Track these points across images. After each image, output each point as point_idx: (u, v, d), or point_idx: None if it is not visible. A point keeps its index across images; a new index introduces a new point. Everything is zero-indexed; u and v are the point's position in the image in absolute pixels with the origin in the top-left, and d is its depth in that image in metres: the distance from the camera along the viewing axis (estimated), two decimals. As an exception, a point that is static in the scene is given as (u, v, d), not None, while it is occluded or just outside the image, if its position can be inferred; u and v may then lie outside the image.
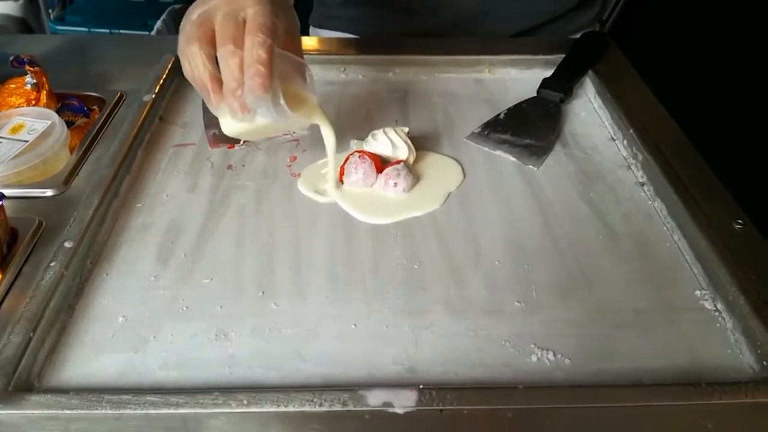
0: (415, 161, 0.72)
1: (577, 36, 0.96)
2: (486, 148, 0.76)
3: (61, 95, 0.81)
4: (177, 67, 0.86)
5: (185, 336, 0.52)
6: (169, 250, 0.61)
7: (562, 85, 0.83)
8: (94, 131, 0.73)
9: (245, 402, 0.45)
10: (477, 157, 0.75)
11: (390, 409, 0.45)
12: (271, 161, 0.73)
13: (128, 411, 0.44)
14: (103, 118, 0.76)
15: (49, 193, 0.65)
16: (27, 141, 0.68)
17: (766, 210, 0.68)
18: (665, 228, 0.65)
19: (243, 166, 0.73)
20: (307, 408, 0.45)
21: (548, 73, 0.88)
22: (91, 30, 0.92)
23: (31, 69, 0.77)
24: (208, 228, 0.63)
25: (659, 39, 1.51)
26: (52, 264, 0.55)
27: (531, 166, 0.72)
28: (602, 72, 0.87)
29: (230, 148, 0.72)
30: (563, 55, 0.90)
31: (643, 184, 0.70)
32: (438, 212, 0.66)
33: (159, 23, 1.82)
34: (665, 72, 1.06)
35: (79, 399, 0.45)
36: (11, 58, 0.78)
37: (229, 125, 0.58)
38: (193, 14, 0.56)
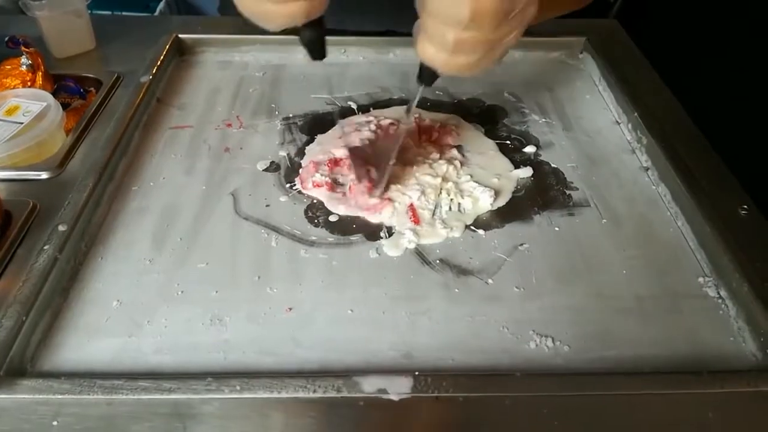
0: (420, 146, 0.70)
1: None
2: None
3: (58, 76, 0.80)
4: (175, 48, 0.86)
5: (180, 321, 0.52)
6: (165, 234, 0.60)
7: None
8: (90, 113, 0.73)
9: (238, 388, 0.44)
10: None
11: (385, 396, 0.44)
12: (268, 144, 0.72)
13: (120, 396, 0.44)
14: (99, 100, 0.75)
15: (43, 175, 0.64)
16: (22, 123, 0.67)
17: (773, 196, 0.67)
18: (669, 213, 0.63)
19: (240, 149, 0.72)
20: (301, 394, 0.44)
21: (552, 55, 0.86)
22: (93, 11, 0.91)
23: (27, 50, 0.76)
24: (205, 211, 0.63)
25: (666, 22, 1.48)
26: (45, 247, 0.54)
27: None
28: (608, 55, 0.85)
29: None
30: (568, 37, 0.89)
31: (647, 169, 0.69)
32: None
33: (162, 5, 1.81)
34: (672, 55, 1.05)
35: (70, 384, 0.44)
36: (6, 39, 0.77)
37: None
38: None
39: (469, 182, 0.65)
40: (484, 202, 0.63)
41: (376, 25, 0.91)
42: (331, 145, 0.70)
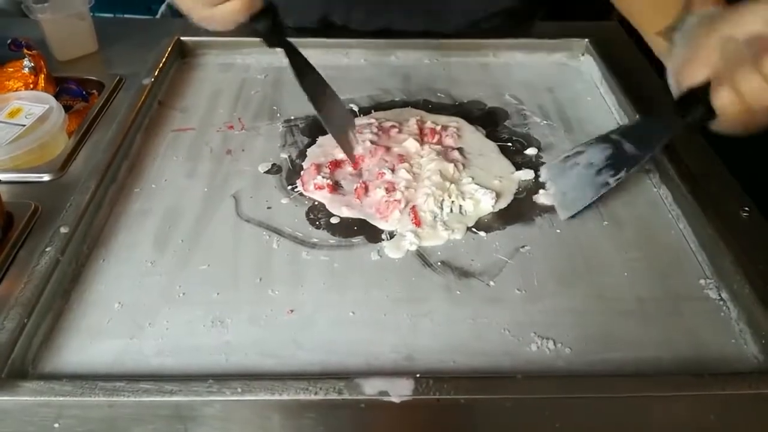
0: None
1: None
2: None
3: (60, 79, 0.80)
4: (177, 51, 0.86)
5: (181, 323, 0.52)
6: (167, 236, 0.60)
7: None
8: (93, 115, 0.73)
9: (239, 390, 0.44)
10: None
11: (386, 398, 0.44)
12: (270, 146, 0.73)
13: (121, 398, 0.44)
14: (101, 103, 0.75)
15: (45, 177, 0.64)
16: (24, 125, 0.67)
17: (774, 198, 0.67)
18: (670, 215, 0.63)
19: (242, 151, 0.72)
20: (302, 396, 0.44)
21: (554, 57, 0.86)
22: (95, 14, 0.91)
23: (29, 52, 0.77)
24: (206, 214, 0.63)
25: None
26: (47, 249, 0.54)
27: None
28: (609, 57, 0.85)
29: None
30: (569, 39, 0.89)
31: (648, 171, 0.69)
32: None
33: (163, 7, 1.81)
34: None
35: (71, 386, 0.44)
36: (9, 41, 0.77)
37: None
38: None
39: (470, 184, 0.65)
40: (486, 204, 0.63)
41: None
42: (332, 148, 0.70)
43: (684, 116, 0.58)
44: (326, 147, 0.71)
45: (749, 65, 0.52)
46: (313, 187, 0.65)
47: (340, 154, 0.68)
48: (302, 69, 0.63)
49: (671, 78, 0.63)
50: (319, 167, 0.67)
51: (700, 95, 0.56)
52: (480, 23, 0.92)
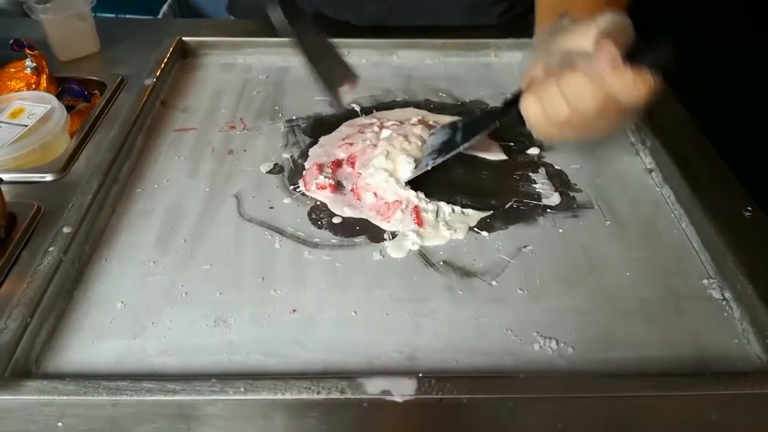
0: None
1: None
2: None
3: (62, 79, 0.80)
4: (178, 51, 0.86)
5: (184, 322, 0.52)
6: (169, 236, 0.60)
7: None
8: (95, 116, 0.73)
9: (242, 389, 0.44)
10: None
11: (389, 398, 0.44)
12: (271, 146, 0.73)
13: (124, 398, 0.44)
14: (103, 103, 0.75)
15: (48, 177, 0.64)
16: (26, 125, 0.67)
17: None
18: (673, 215, 0.63)
19: (244, 151, 0.72)
20: (305, 396, 0.44)
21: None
22: (96, 14, 0.91)
23: (31, 53, 0.77)
24: (209, 213, 0.63)
25: (672, 23, 1.48)
26: (50, 249, 0.54)
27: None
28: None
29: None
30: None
31: (650, 171, 0.69)
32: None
33: (165, 7, 1.81)
34: (677, 57, 1.04)
35: (75, 385, 0.44)
36: (11, 42, 0.77)
37: None
38: None
39: None
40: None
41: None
42: (334, 147, 0.70)
43: (500, 119, 0.63)
44: (328, 147, 0.72)
45: (554, 79, 0.54)
46: (315, 187, 0.65)
47: (342, 154, 0.68)
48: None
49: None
50: (321, 167, 0.67)
51: (518, 101, 0.59)
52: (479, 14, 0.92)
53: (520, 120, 0.59)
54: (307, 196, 0.65)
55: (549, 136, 0.61)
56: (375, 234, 0.61)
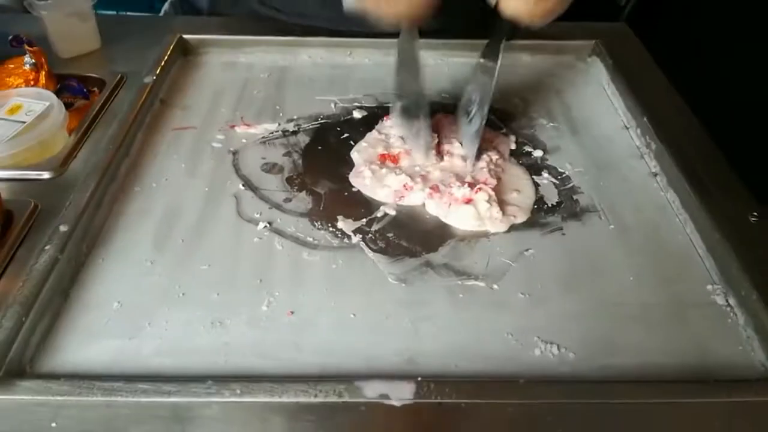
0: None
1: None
2: None
3: (61, 76, 0.79)
4: (179, 49, 0.86)
5: (180, 323, 0.51)
6: (167, 236, 0.59)
7: None
8: (93, 113, 0.72)
9: (238, 391, 0.44)
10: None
11: (387, 402, 0.44)
12: (271, 146, 0.72)
13: (119, 398, 0.43)
14: (102, 100, 0.75)
15: (45, 175, 0.64)
16: (24, 122, 0.67)
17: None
18: (677, 220, 0.63)
19: (244, 150, 0.71)
20: (302, 399, 0.44)
21: (560, 59, 0.85)
22: (97, 11, 0.91)
23: (31, 49, 0.76)
24: (207, 213, 0.62)
25: (677, 26, 1.47)
26: (46, 248, 0.53)
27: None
28: (617, 58, 0.84)
29: None
30: (576, 40, 0.88)
31: (655, 175, 0.68)
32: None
33: (166, 5, 1.81)
34: (682, 60, 1.04)
35: (69, 385, 0.44)
36: (10, 38, 0.77)
37: None
38: None
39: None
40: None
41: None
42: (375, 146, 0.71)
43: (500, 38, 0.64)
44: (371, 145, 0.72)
45: None
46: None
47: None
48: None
49: None
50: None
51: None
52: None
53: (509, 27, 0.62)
54: (308, 196, 0.65)
55: (538, 16, 0.62)
56: (375, 235, 0.60)
